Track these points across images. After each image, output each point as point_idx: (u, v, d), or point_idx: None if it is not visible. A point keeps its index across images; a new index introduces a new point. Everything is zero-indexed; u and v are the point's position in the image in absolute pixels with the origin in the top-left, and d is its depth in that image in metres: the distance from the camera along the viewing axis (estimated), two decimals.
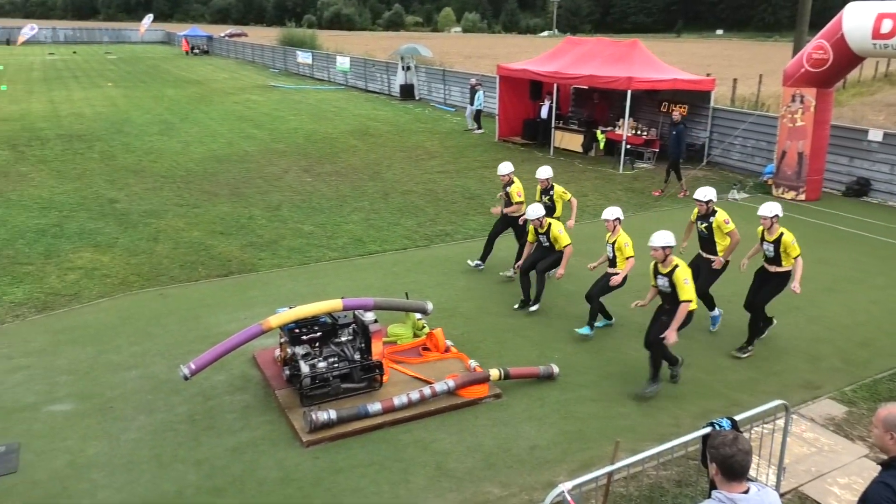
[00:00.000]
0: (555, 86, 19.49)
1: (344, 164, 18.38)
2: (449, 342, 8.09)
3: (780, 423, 5.53)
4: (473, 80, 24.28)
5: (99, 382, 7.46)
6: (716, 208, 8.56)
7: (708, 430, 4.60)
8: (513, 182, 10.46)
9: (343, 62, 39.27)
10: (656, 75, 17.78)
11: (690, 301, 7.01)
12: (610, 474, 4.87)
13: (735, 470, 3.24)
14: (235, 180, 16.45)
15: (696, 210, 8.76)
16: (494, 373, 7.29)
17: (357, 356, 7.19)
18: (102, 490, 5.80)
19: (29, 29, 61.20)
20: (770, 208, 8.04)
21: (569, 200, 10.24)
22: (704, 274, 8.53)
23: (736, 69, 37.38)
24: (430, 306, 8.02)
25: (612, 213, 8.42)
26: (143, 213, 13.66)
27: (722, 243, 8.50)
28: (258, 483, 5.91)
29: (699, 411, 6.98)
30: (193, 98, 31.95)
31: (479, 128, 23.21)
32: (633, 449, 5.84)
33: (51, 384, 7.41)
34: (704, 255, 8.71)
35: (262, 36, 70.90)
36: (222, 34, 73.03)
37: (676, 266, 7.07)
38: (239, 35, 76.22)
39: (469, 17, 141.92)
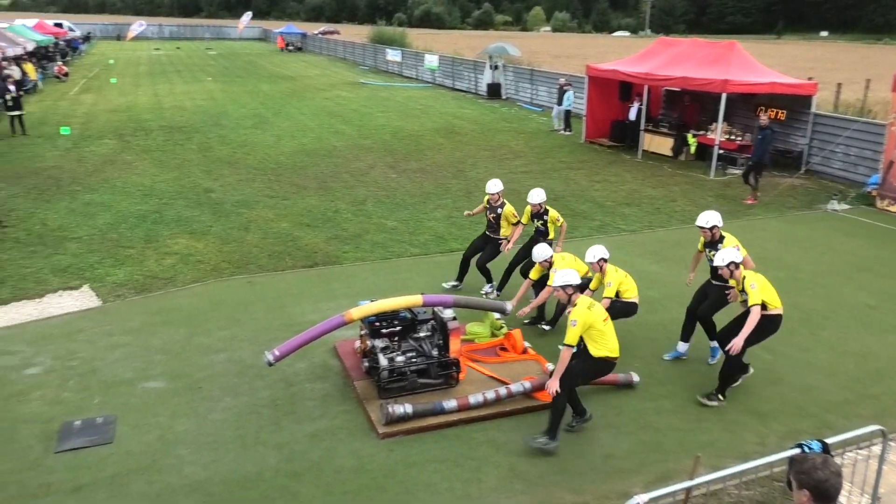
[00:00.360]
0: (645, 87, 19.04)
1: (429, 161, 18.55)
2: (527, 343, 8.05)
3: (877, 449, 5.23)
4: (562, 80, 24.03)
5: (189, 363, 7.82)
6: (724, 234, 7.85)
7: (796, 451, 4.40)
8: (505, 203, 9.57)
9: (431, 60, 39.61)
10: (753, 78, 17.11)
11: (569, 346, 6.17)
12: (688, 490, 4.73)
13: (830, 495, 3.10)
14: (323, 174, 16.88)
15: (701, 238, 8.01)
16: None
17: (435, 352, 7.26)
18: (189, 466, 6.08)
19: (138, 25, 64.74)
20: (723, 256, 7.09)
21: (560, 226, 9.40)
22: (711, 300, 7.85)
23: (840, 73, 35.53)
24: (509, 307, 8.00)
25: (593, 254, 7.71)
26: (235, 203, 14.21)
27: None
28: (335, 470, 6.05)
29: (786, 431, 6.69)
30: (286, 93, 32.96)
31: (568, 129, 22.94)
32: (713, 465, 5.67)
33: (146, 362, 7.82)
34: (715, 283, 7.90)
35: (354, 34, 72.46)
36: (316, 31, 74.99)
37: (575, 306, 6.33)
38: (331, 32, 78.09)
39: (559, 17, 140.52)
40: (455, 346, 7.21)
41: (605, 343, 6.31)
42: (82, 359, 7.87)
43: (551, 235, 9.36)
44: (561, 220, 9.40)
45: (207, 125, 23.55)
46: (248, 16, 78.19)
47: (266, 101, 29.94)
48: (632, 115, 20.43)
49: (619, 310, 7.76)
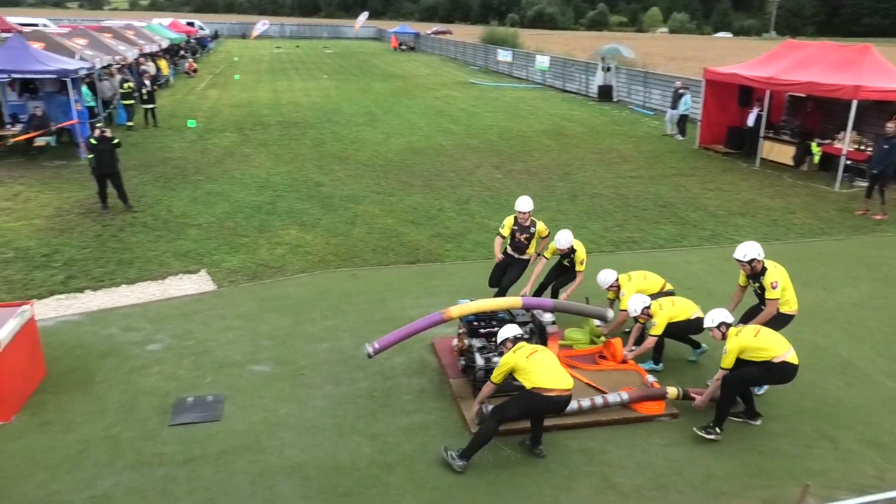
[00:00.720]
0: (767, 92, 18.12)
1: (535, 162, 18.42)
2: (627, 353, 7.85)
3: None
4: (678, 84, 23.24)
5: (294, 350, 8.13)
6: (766, 266, 7.22)
7: None
8: (535, 220, 8.97)
9: (542, 61, 39.32)
10: (889, 84, 15.92)
11: (493, 382, 6.30)
12: None
13: None
14: (429, 172, 17.10)
15: (741, 271, 7.43)
16: (672, 391, 6.97)
17: None
18: (289, 448, 6.32)
19: (261, 25, 67.88)
20: (713, 317, 6.66)
21: (583, 269, 8.81)
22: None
23: None
24: (610, 314, 7.83)
25: (635, 308, 7.53)
26: (344, 197, 14.64)
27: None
28: (426, 465, 6.13)
29: None
30: (397, 92, 33.62)
31: (683, 134, 22.16)
32: (824, 496, 5.34)
33: (254, 346, 8.20)
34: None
35: (466, 34, 72.98)
36: (428, 31, 76.09)
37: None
38: (444, 32, 78.96)
39: (677, 17, 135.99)
40: (553, 350, 7.13)
41: (530, 378, 6.05)
42: (197, 339, 8.35)
43: (577, 269, 8.84)
44: (584, 262, 8.81)
45: (321, 121, 24.38)
46: (364, 16, 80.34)
47: (377, 99, 30.66)
48: (750, 122, 19.51)
49: (682, 328, 7.61)
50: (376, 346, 6.98)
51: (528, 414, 6.27)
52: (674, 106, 22.61)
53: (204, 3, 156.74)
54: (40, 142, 17.90)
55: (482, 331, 7.28)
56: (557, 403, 6.11)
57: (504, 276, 8.99)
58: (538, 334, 7.28)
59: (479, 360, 7.02)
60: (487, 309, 7.24)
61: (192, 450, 6.28)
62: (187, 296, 9.66)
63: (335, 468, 6.08)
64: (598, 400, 6.81)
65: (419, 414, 6.88)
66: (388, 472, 6.05)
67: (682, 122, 22.30)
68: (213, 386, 7.31)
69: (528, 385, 6.08)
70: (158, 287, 9.93)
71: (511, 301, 7.33)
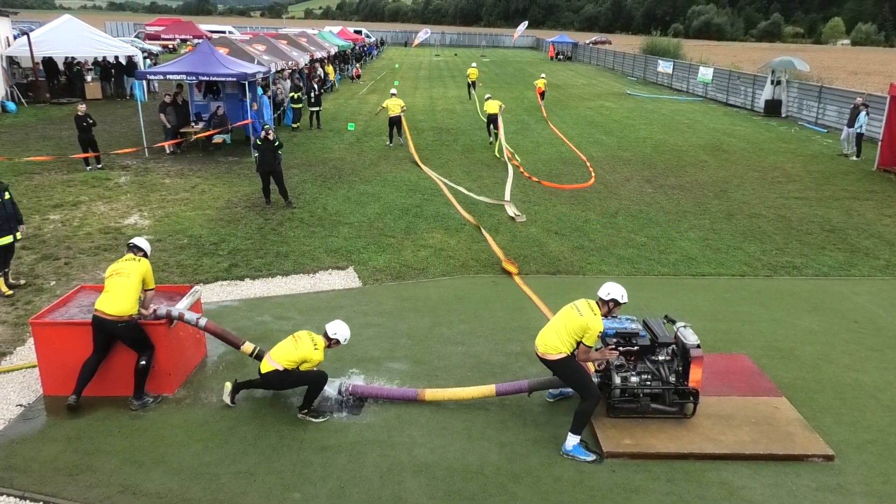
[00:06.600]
0: None
1: (689, 178, 17.64)
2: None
3: None
4: (859, 100, 21.37)
5: (430, 351, 8.29)
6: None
7: None
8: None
9: (705, 73, 37.64)
10: None
11: None
12: None
13: None
14: (577, 183, 16.83)
15: None
16: (248, 347, 7.27)
17: (672, 378, 6.88)
18: (418, 447, 6.45)
19: (423, 33, 70.03)
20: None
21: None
22: None
23: None
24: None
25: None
26: (489, 204, 14.71)
27: None
28: (553, 479, 6.02)
29: None
30: (550, 101, 33.39)
31: (858, 154, 20.32)
32: None
33: (393, 344, 8.45)
34: None
35: (626, 44, 71.29)
36: (587, 41, 75.16)
37: None
38: (603, 42, 77.72)
39: (862, 29, 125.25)
40: (696, 375, 6.77)
41: None
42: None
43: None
44: None
45: (473, 128, 24.73)
46: (523, 25, 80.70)
47: (529, 108, 30.66)
48: None
49: None
50: (351, 387, 7.19)
51: None
52: (850, 123, 20.84)
53: (371, 13, 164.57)
54: (218, 139, 19.56)
55: (621, 349, 7.04)
56: None
57: None
58: (681, 356, 6.94)
59: (616, 379, 6.81)
60: (459, 398, 7.11)
61: (329, 438, 6.56)
62: (335, 290, 10.13)
63: (462, 471, 6.12)
64: (162, 310, 7.12)
65: (549, 427, 6.78)
66: (514, 481, 6.01)
67: (858, 140, 20.47)
68: (351, 379, 7.59)
69: None
70: (309, 280, 10.50)
71: (484, 390, 7.09)
